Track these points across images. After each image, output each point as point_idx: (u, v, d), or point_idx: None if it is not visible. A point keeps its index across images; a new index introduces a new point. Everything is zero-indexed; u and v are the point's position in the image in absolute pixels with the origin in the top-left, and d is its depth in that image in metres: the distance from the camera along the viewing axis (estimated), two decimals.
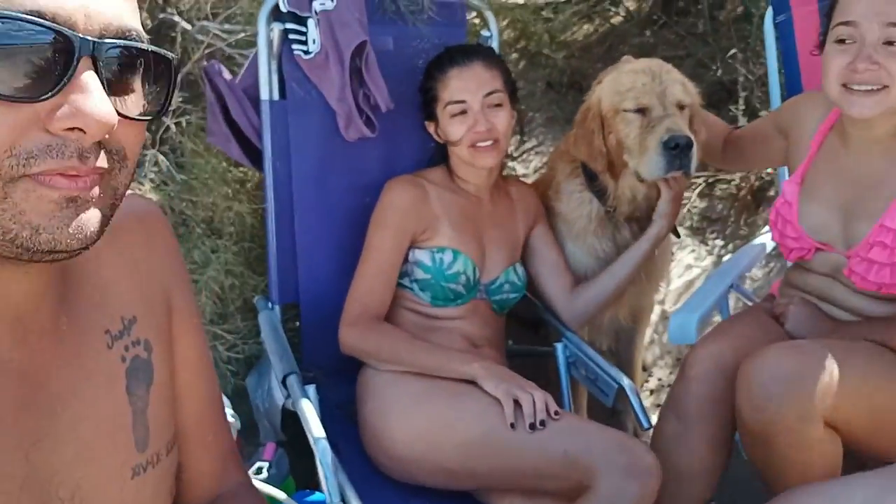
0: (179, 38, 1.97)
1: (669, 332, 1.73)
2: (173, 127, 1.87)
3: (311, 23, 1.76)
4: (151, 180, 1.79)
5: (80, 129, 0.55)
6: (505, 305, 1.81)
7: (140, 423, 0.75)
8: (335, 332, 1.68)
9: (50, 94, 0.54)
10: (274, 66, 1.78)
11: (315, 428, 1.45)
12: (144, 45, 0.60)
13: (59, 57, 0.54)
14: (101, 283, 0.75)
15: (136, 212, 0.81)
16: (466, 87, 1.67)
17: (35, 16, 0.52)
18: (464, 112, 1.68)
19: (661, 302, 2.90)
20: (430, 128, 1.78)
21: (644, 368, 2.68)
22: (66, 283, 0.72)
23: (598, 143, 1.78)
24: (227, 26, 1.93)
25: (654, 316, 2.74)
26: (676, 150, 1.64)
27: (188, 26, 1.94)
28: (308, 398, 1.55)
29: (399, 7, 1.86)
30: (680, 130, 1.65)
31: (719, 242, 2.97)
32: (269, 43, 1.75)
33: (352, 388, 1.74)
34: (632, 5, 3.86)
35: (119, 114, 0.58)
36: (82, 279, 0.74)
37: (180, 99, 1.82)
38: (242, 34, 1.90)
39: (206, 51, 1.87)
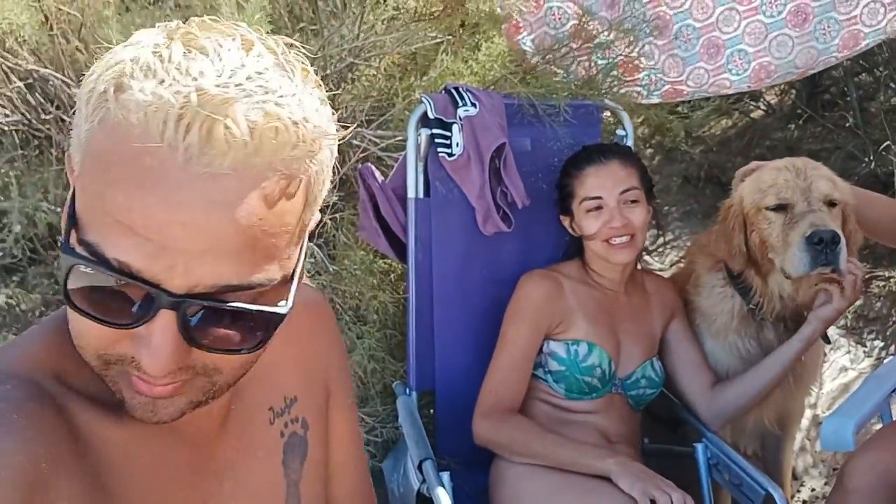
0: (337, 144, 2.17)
1: (822, 437, 1.63)
2: (329, 222, 2.04)
3: (455, 128, 1.90)
4: (307, 270, 1.95)
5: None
6: (641, 401, 1.78)
7: (292, 495, 0.80)
8: (469, 422, 1.72)
9: (137, 324, 0.57)
10: (420, 167, 1.92)
11: None
12: (242, 306, 0.58)
13: (143, 301, 0.56)
14: (269, 364, 0.78)
15: (304, 301, 0.84)
16: (603, 184, 1.73)
17: (120, 266, 0.54)
18: (599, 208, 1.73)
19: (813, 406, 2.72)
20: (566, 222, 1.84)
21: (794, 477, 2.49)
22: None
23: (738, 242, 1.76)
24: (379, 132, 2.12)
25: (805, 420, 2.57)
26: (821, 246, 1.59)
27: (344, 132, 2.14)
28: (443, 485, 1.58)
29: (538, 111, 1.97)
30: (824, 224, 1.60)
31: (878, 343, 2.76)
32: (417, 146, 1.90)
33: (484, 478, 1.76)
34: (773, 99, 3.82)
35: (204, 347, 0.59)
36: (263, 359, 0.79)
37: (336, 197, 1.99)
38: (393, 139, 2.07)
39: (361, 154, 2.05)
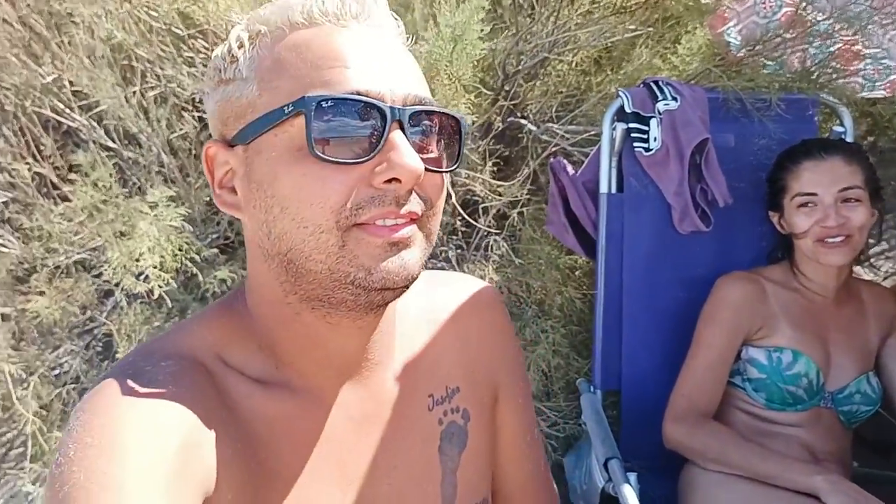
0: (526, 139, 2.19)
1: None
2: (515, 216, 2.06)
3: (653, 122, 1.84)
4: (494, 262, 1.98)
5: (397, 180, 0.65)
6: (854, 419, 1.63)
7: (448, 482, 0.81)
8: (655, 425, 1.66)
9: (373, 154, 0.65)
10: (614, 162, 1.89)
11: None
12: (436, 107, 0.69)
13: (375, 124, 0.65)
14: (434, 354, 0.84)
15: (472, 293, 0.91)
16: (820, 180, 1.60)
17: (355, 94, 0.64)
18: (813, 204, 1.60)
19: None
20: (774, 217, 1.73)
21: None
22: (402, 350, 0.82)
23: None
24: (568, 127, 2.10)
25: None
26: None
27: (534, 128, 2.15)
28: (630, 484, 1.54)
29: (745, 105, 1.86)
30: None
31: None
32: (612, 141, 1.86)
33: (669, 483, 1.69)
34: None
35: (426, 168, 0.67)
36: (417, 349, 0.84)
37: (525, 192, 2.00)
38: (584, 134, 2.05)
39: (551, 150, 2.05)
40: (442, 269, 2.12)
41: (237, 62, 0.68)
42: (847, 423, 1.63)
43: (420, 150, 0.67)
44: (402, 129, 0.65)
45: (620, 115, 1.87)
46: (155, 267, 1.64)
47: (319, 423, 0.74)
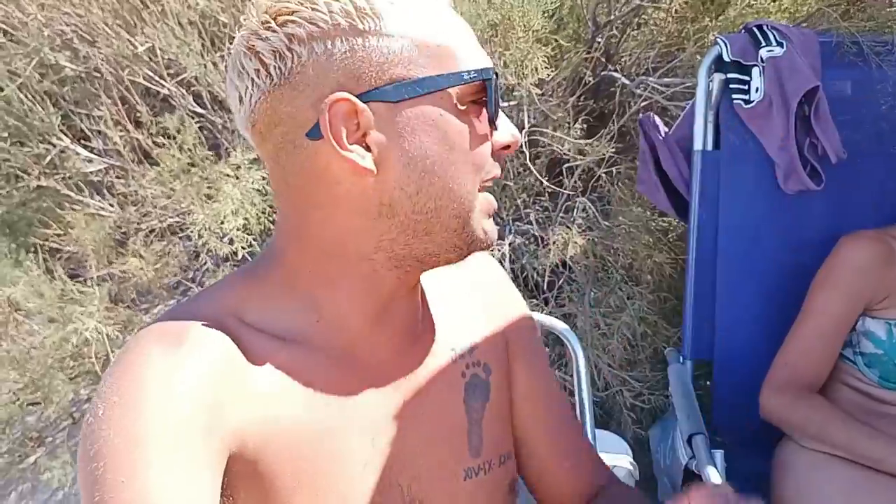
0: (618, 93, 2.06)
1: None
2: (604, 176, 1.95)
3: (755, 71, 1.68)
4: (578, 225, 1.89)
5: (507, 147, 0.73)
6: None
7: (475, 433, 0.82)
8: (750, 398, 1.54)
9: (494, 123, 0.72)
10: (710, 117, 1.74)
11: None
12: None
13: (492, 97, 0.70)
14: (460, 312, 0.87)
15: (482, 263, 0.95)
16: None
17: (493, 72, 0.71)
18: None
19: None
20: None
21: None
22: (434, 305, 0.84)
23: None
24: (665, 80, 1.96)
25: None
26: None
27: (627, 81, 2.02)
28: (714, 464, 1.44)
29: (862, 49, 1.66)
30: None
31: None
32: (708, 93, 1.72)
33: (763, 460, 1.58)
34: None
35: None
36: (440, 305, 0.86)
37: (613, 149, 1.89)
38: (679, 87, 1.90)
39: (643, 104, 1.92)
40: (526, 232, 2.06)
41: (379, 17, 0.67)
42: None
43: None
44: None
45: (719, 64, 1.71)
46: (238, 229, 1.69)
47: (353, 377, 0.75)
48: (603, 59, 2.16)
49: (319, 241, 0.74)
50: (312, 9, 0.66)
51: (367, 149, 0.68)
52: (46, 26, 2.02)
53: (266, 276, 0.75)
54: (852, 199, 1.73)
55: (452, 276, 0.89)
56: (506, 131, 0.73)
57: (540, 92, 1.75)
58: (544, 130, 1.88)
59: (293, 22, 0.66)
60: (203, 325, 0.69)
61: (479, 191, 0.71)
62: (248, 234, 1.77)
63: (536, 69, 1.59)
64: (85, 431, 0.61)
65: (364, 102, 0.66)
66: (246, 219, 1.73)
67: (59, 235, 1.96)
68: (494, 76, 0.71)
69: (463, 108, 0.69)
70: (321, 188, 0.70)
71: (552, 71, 1.77)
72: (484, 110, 0.70)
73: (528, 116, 1.81)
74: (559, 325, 1.27)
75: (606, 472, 0.96)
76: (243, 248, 1.78)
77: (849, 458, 1.36)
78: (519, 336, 0.92)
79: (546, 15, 1.62)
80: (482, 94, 0.70)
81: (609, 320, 1.83)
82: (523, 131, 1.78)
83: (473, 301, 0.89)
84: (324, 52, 0.66)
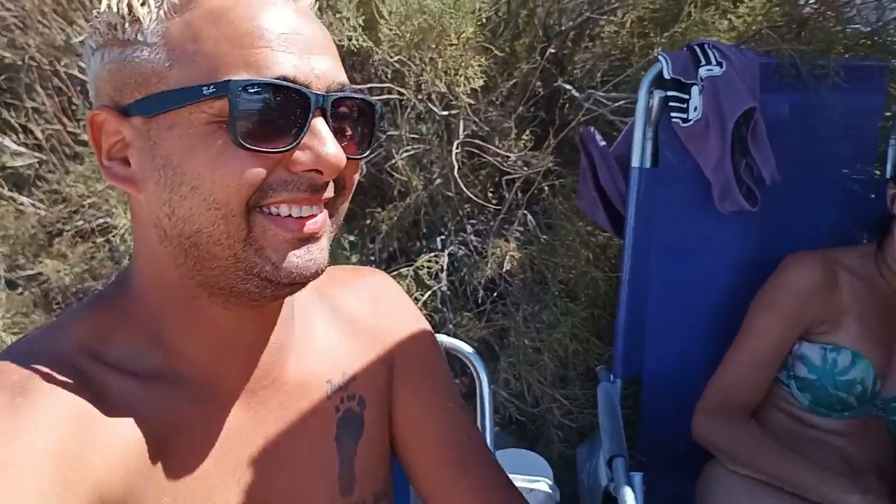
0: (566, 106, 2.04)
1: None
2: (546, 189, 1.93)
3: (694, 90, 1.66)
4: (517, 238, 1.87)
5: (318, 171, 0.63)
6: None
7: (346, 471, 0.79)
8: (678, 419, 1.53)
9: (294, 143, 0.62)
10: (649, 134, 1.72)
11: None
12: (356, 95, 0.67)
13: (299, 111, 0.62)
14: (330, 339, 0.83)
15: (364, 279, 0.91)
16: None
17: (282, 80, 0.61)
18: None
19: None
20: (891, 190, 1.46)
21: None
22: (300, 335, 0.79)
23: None
24: (612, 94, 1.94)
25: None
26: None
27: (577, 94, 2.01)
28: (631, 487, 1.43)
29: (800, 73, 1.65)
30: None
31: None
32: (648, 110, 1.70)
33: (688, 482, 1.57)
34: None
35: (344, 148, 0.64)
36: (314, 334, 0.81)
37: (552, 162, 1.87)
38: (623, 101, 1.88)
39: (588, 117, 1.90)
40: (464, 243, 2.03)
41: (139, 23, 0.62)
42: (894, 432, 1.45)
43: (339, 136, 0.65)
44: (325, 116, 0.64)
45: (660, 81, 1.70)
46: None
47: (215, 414, 0.71)
48: (555, 71, 2.14)
49: (144, 267, 0.71)
50: (96, 19, 0.65)
51: (127, 163, 0.65)
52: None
53: (120, 307, 0.71)
54: (788, 221, 1.72)
55: (338, 301, 0.87)
56: (317, 153, 0.62)
57: (473, 102, 1.73)
58: (484, 144, 1.85)
59: (89, 33, 0.66)
60: (49, 370, 0.63)
61: (263, 217, 0.62)
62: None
63: (469, 78, 1.56)
64: None
65: (127, 116, 0.64)
66: None
67: None
68: (272, 88, 0.61)
69: (220, 122, 0.60)
70: (132, 208, 0.70)
71: (500, 80, 1.75)
72: (266, 127, 0.61)
73: (463, 127, 1.78)
74: (464, 348, 1.24)
75: (515, 495, 0.88)
76: None
77: (775, 483, 1.35)
78: (407, 358, 0.89)
79: (478, 23, 1.59)
80: (256, 112, 0.60)
81: (542, 336, 1.80)
82: (457, 142, 1.75)
83: (357, 328, 0.86)
84: (102, 64, 0.65)
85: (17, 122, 1.95)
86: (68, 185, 1.86)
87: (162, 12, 0.62)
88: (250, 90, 0.59)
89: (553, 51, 2.09)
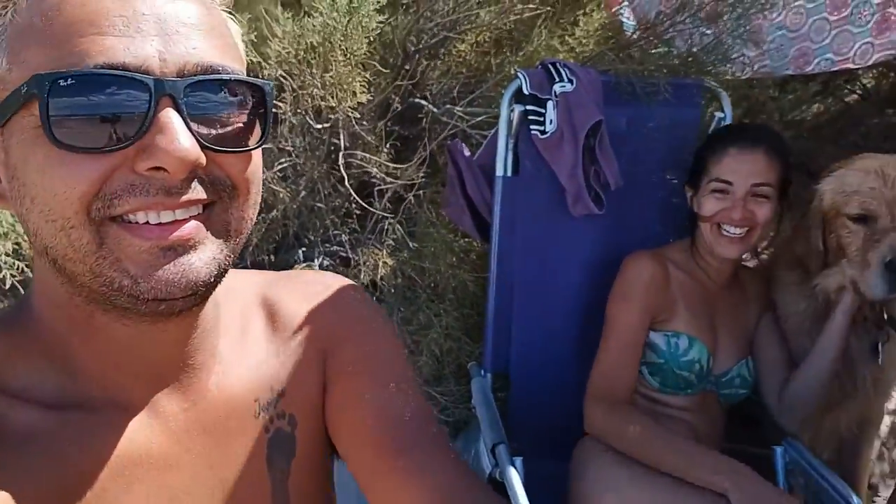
0: (425, 120, 2.12)
1: None
2: (412, 199, 2.00)
3: (549, 104, 1.82)
4: (388, 245, 1.92)
5: (163, 169, 0.54)
6: (733, 400, 1.71)
7: (279, 494, 0.74)
8: (543, 407, 1.67)
9: (133, 139, 0.54)
10: (511, 145, 1.86)
11: (521, 499, 1.44)
12: (225, 76, 0.58)
13: (137, 102, 0.54)
14: (261, 352, 0.76)
15: (315, 288, 0.82)
16: (738, 169, 1.59)
17: (105, 68, 0.53)
18: (725, 192, 1.62)
19: (893, 412, 2.60)
20: (689, 192, 1.72)
21: (869, 487, 2.39)
22: (227, 350, 0.73)
23: (816, 242, 1.65)
24: (469, 109, 2.05)
25: (884, 427, 2.45)
26: None
27: (434, 109, 2.09)
28: (516, 468, 1.54)
29: (635, 89, 1.87)
30: None
31: None
32: (509, 123, 1.83)
33: (557, 464, 1.71)
34: (869, 83, 3.59)
35: (211, 147, 0.57)
36: (245, 348, 0.75)
37: (422, 174, 1.95)
38: (483, 116, 2.00)
39: (450, 131, 2.00)
40: (335, 253, 2.04)
41: None
42: (726, 404, 1.71)
43: (209, 126, 0.57)
44: (176, 105, 0.55)
45: (518, 96, 1.83)
46: (8, 254, 1.46)
47: (133, 442, 0.64)
48: (411, 87, 2.20)
49: (39, 288, 0.65)
50: None
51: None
52: None
53: (21, 330, 0.64)
54: (628, 223, 1.94)
55: (278, 305, 0.79)
56: (156, 148, 0.54)
57: (358, 115, 1.75)
58: (354, 153, 1.88)
59: None
60: None
61: (116, 225, 0.55)
62: (19, 259, 1.54)
63: (355, 93, 1.58)
64: None
65: None
66: (17, 243, 1.50)
67: None
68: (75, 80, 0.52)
69: (57, 125, 0.53)
70: None
71: (370, 95, 1.78)
72: (95, 123, 0.53)
73: (344, 139, 1.80)
74: None
75: (465, 476, 0.74)
76: (13, 275, 1.54)
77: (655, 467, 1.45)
78: (340, 348, 0.80)
79: (367, 40, 1.62)
80: (78, 107, 0.53)
81: (418, 337, 1.88)
82: (341, 153, 1.77)
83: (292, 333, 0.78)
84: None
85: None
86: None
87: (9, 14, 0.56)
88: (62, 83, 0.52)
89: (408, 68, 2.16)
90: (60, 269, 0.57)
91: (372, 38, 1.70)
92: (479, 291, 2.01)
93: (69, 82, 0.51)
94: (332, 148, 1.83)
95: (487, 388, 1.85)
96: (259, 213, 1.96)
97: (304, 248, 1.94)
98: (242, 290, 0.79)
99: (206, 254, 0.59)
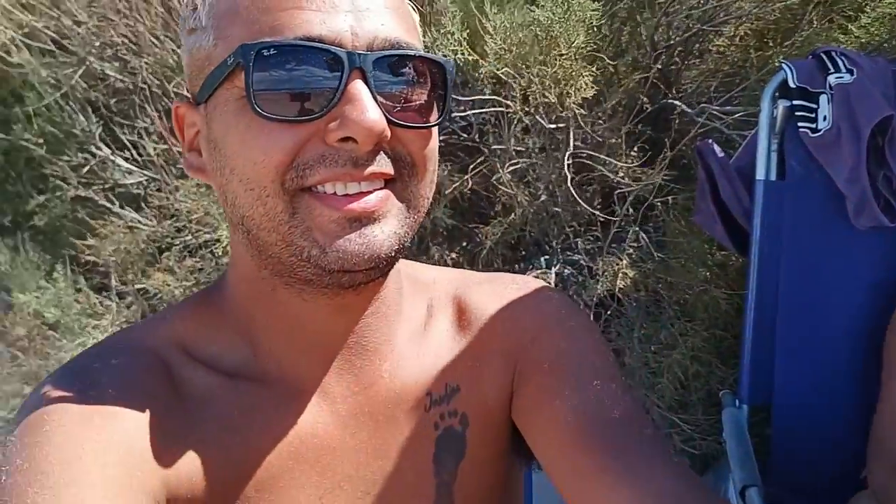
0: (677, 121, 1.98)
1: None
2: (659, 205, 1.86)
3: (823, 98, 1.58)
4: (629, 255, 1.80)
5: (353, 139, 0.56)
6: None
7: (444, 495, 0.71)
8: (812, 450, 1.43)
9: (325, 109, 0.56)
10: (774, 145, 1.64)
11: None
12: (411, 52, 0.59)
13: (330, 74, 0.55)
14: (444, 347, 0.74)
15: (512, 289, 0.78)
16: None
17: (305, 40, 0.55)
18: None
19: None
20: None
21: None
22: (406, 339, 0.72)
23: None
24: (727, 108, 1.87)
25: None
26: None
27: (689, 109, 1.94)
28: None
29: None
30: None
31: None
32: (772, 120, 1.63)
33: None
34: None
35: (395, 122, 0.58)
36: (426, 340, 0.73)
37: (668, 177, 1.80)
38: (741, 114, 1.81)
39: (701, 131, 1.83)
40: (575, 262, 1.97)
41: (198, 8, 0.61)
42: None
43: (393, 101, 0.59)
44: (365, 78, 0.56)
45: (783, 91, 1.62)
46: None
47: (300, 419, 0.66)
48: (662, 87, 2.08)
49: (232, 261, 0.68)
50: (182, 13, 0.64)
51: (201, 153, 0.64)
52: (97, 36, 2.04)
53: (217, 304, 0.69)
54: None
55: (472, 304, 0.77)
56: (347, 119, 0.55)
57: (585, 113, 1.68)
58: (596, 155, 1.80)
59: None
60: (135, 360, 0.62)
61: (308, 196, 0.57)
62: None
63: (580, 88, 1.51)
64: None
65: (197, 105, 0.62)
66: None
67: (90, 247, 1.95)
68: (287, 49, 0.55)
69: (258, 95, 0.56)
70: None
71: (604, 90, 1.70)
72: (292, 94, 0.56)
73: (573, 138, 1.73)
74: None
75: (694, 485, 0.63)
76: None
77: None
78: (535, 349, 0.74)
79: (592, 32, 1.55)
80: (279, 78, 0.56)
81: (659, 358, 1.71)
82: (567, 153, 1.71)
83: (484, 336, 0.76)
84: (183, 53, 0.64)
85: (127, 141, 2.00)
86: (176, 202, 1.88)
87: None
88: (266, 53, 0.55)
89: (659, 67, 2.04)
90: (253, 240, 0.60)
91: (592, 30, 1.62)
92: (734, 311, 1.79)
93: (271, 52, 0.55)
94: (568, 149, 1.77)
95: (742, 422, 1.62)
96: (495, 217, 1.97)
97: (545, 256, 1.89)
98: (434, 284, 0.79)
99: (388, 227, 0.60)
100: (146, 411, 0.59)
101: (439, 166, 2.00)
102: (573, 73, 1.51)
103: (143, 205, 2.07)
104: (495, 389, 0.74)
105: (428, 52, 0.65)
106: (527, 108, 1.66)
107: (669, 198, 1.86)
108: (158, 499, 0.57)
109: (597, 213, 1.77)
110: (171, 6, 1.96)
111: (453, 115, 1.94)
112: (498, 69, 1.51)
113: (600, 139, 1.81)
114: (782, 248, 1.63)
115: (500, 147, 1.81)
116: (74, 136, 2.01)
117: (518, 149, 1.78)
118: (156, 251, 2.00)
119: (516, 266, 1.97)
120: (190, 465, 0.60)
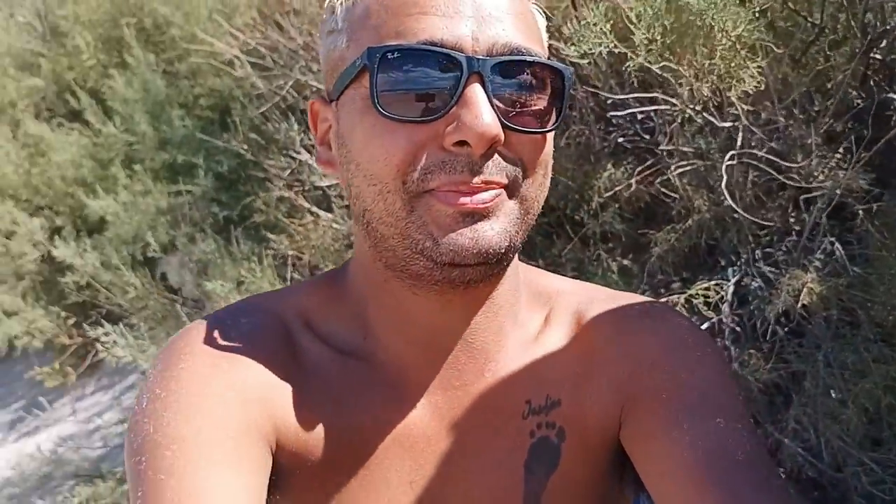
0: (893, 118, 1.73)
1: None
2: (861, 213, 1.64)
3: None
4: (817, 268, 1.60)
5: (467, 143, 0.58)
6: None
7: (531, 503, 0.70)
8: None
9: (443, 112, 0.59)
10: None
11: None
12: (529, 58, 0.60)
13: (450, 77, 0.58)
14: (545, 356, 0.74)
15: (634, 310, 0.76)
16: None
17: (427, 45, 0.58)
18: None
19: None
20: None
21: None
22: (512, 344, 0.73)
23: None
24: None
25: None
26: None
27: None
28: None
29: None
30: None
31: None
32: None
33: None
34: None
35: (510, 126, 0.60)
36: (533, 347, 0.74)
37: (866, 181, 1.58)
38: None
39: None
40: (763, 273, 1.79)
41: (336, 12, 0.67)
42: None
43: (510, 105, 0.61)
44: (483, 82, 0.59)
45: None
46: None
47: (401, 405, 0.70)
48: (877, 78, 1.83)
49: (355, 250, 0.73)
50: (323, 17, 0.70)
51: (331, 148, 0.69)
52: (307, 49, 2.27)
53: (340, 285, 0.75)
54: None
55: (591, 320, 0.76)
56: (462, 123, 0.58)
57: (753, 108, 1.52)
58: (777, 160, 1.63)
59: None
60: (263, 320, 0.70)
61: (427, 194, 0.60)
62: None
63: (747, 82, 1.36)
64: (130, 422, 0.64)
65: (330, 102, 0.67)
66: None
67: (293, 242, 2.18)
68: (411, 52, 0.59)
69: (382, 96, 0.60)
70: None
71: (796, 85, 1.52)
72: (413, 96, 0.59)
73: (741, 139, 1.57)
74: None
75: None
76: None
77: None
78: (650, 381, 0.72)
79: (752, 18, 1.37)
80: (401, 80, 0.59)
81: (849, 385, 1.51)
82: (731, 153, 1.55)
83: (591, 355, 0.74)
84: (321, 53, 0.70)
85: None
86: None
87: (352, 1, 0.65)
88: (390, 56, 0.58)
89: (879, 57, 1.78)
90: (372, 232, 0.65)
91: (760, 12, 1.43)
92: None
93: (395, 55, 0.60)
94: (749, 149, 1.62)
95: None
96: (668, 223, 1.87)
97: (728, 266, 1.76)
98: (558, 295, 0.79)
99: (499, 224, 0.62)
100: (266, 366, 0.67)
101: (609, 168, 1.94)
102: (736, 65, 1.36)
103: (331, 205, 2.27)
104: (597, 410, 0.74)
105: (550, 59, 0.66)
106: (693, 106, 1.54)
107: (874, 205, 1.63)
108: (270, 441, 0.64)
109: (777, 222, 1.60)
110: None
111: (613, 114, 1.87)
112: (651, 63, 1.41)
113: (787, 143, 1.63)
114: None
115: (668, 148, 1.70)
116: (276, 142, 2.26)
117: (685, 149, 1.66)
118: (343, 248, 2.19)
119: (684, 274, 1.85)
120: (299, 422, 0.66)
